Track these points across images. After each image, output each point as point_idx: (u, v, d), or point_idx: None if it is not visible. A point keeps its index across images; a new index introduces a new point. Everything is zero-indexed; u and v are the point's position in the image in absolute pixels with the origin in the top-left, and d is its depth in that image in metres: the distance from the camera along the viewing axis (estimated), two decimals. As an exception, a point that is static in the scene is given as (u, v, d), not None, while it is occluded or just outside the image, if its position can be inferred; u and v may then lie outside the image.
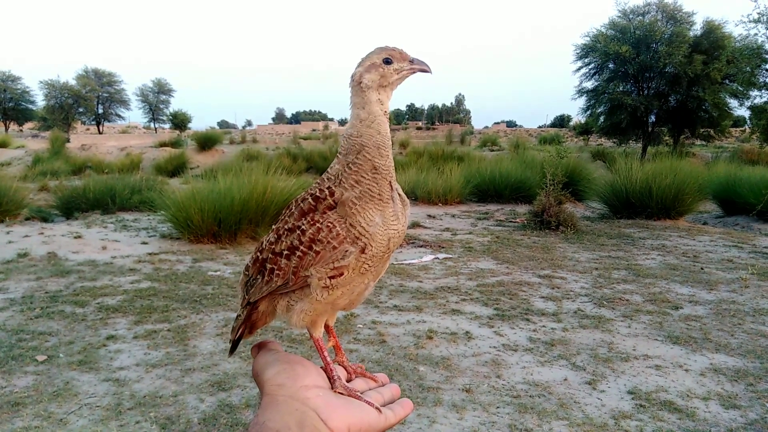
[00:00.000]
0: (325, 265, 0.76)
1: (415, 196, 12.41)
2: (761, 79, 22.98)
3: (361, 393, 0.76)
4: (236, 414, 3.15)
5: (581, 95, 27.46)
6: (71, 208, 10.25)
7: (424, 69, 0.83)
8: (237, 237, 7.82)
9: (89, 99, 46.86)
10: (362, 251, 0.75)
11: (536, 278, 6.26)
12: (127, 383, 3.52)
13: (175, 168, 20.30)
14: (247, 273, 0.87)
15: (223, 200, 7.61)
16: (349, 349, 4.10)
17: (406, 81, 0.84)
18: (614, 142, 30.40)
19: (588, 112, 28.24)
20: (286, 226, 0.80)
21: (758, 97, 23.97)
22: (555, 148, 12.68)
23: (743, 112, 27.08)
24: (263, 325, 0.90)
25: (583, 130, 44.88)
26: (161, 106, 54.38)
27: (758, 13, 21.36)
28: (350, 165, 0.77)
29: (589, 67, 26.68)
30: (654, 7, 25.55)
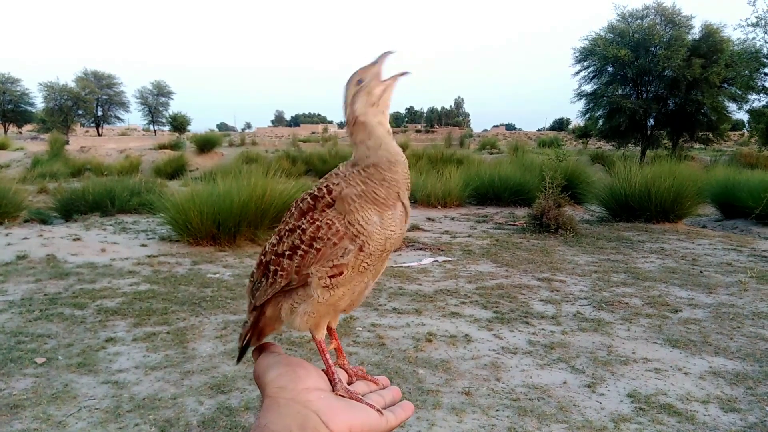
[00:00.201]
0: (325, 263, 0.76)
1: (415, 199, 12.41)
2: (759, 83, 23.09)
3: (363, 396, 0.76)
4: (235, 417, 3.15)
5: (580, 98, 27.55)
6: (70, 210, 10.24)
7: (402, 73, 0.82)
8: (236, 239, 7.81)
9: (88, 101, 46.90)
10: (360, 249, 0.76)
11: (535, 281, 6.26)
12: (126, 386, 3.51)
13: (175, 170, 20.32)
14: (252, 279, 0.87)
15: (222, 203, 7.61)
16: (349, 351, 4.10)
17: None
18: (613, 146, 30.48)
19: (587, 116, 28.33)
20: (286, 227, 0.81)
21: (757, 100, 24.10)
22: (554, 151, 12.73)
23: (742, 115, 27.23)
24: (271, 331, 0.89)
25: (582, 134, 45.03)
26: (160, 109, 54.41)
27: (756, 17, 21.49)
28: (360, 171, 0.77)
29: (588, 70, 26.77)
30: (653, 10, 25.66)
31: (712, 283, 6.18)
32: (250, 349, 0.91)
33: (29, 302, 5.08)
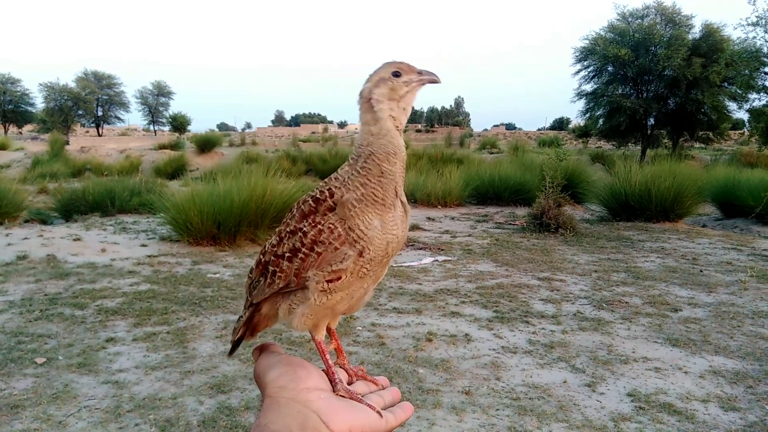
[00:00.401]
0: (324, 267, 0.76)
1: (415, 198, 12.42)
2: (760, 82, 23.10)
3: (363, 396, 0.77)
4: (235, 416, 3.15)
5: (580, 98, 27.58)
6: (70, 210, 10.24)
7: (434, 80, 0.83)
8: (236, 239, 7.82)
9: (89, 101, 46.88)
10: (360, 254, 0.75)
11: (535, 281, 6.27)
12: (127, 385, 3.51)
13: (175, 170, 20.33)
14: (250, 275, 0.88)
15: (222, 202, 7.61)
16: (349, 351, 4.10)
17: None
18: (613, 145, 30.49)
19: (587, 115, 28.34)
20: (287, 229, 0.81)
21: (757, 100, 24.12)
22: (554, 151, 12.70)
23: (742, 114, 27.23)
24: (265, 327, 0.91)
25: (583, 133, 45.00)
26: (161, 109, 54.35)
27: (757, 17, 21.50)
28: (359, 168, 0.78)
29: (589, 70, 26.78)
30: (653, 10, 25.65)
31: (712, 282, 6.18)
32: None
33: (29, 302, 5.08)
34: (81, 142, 36.77)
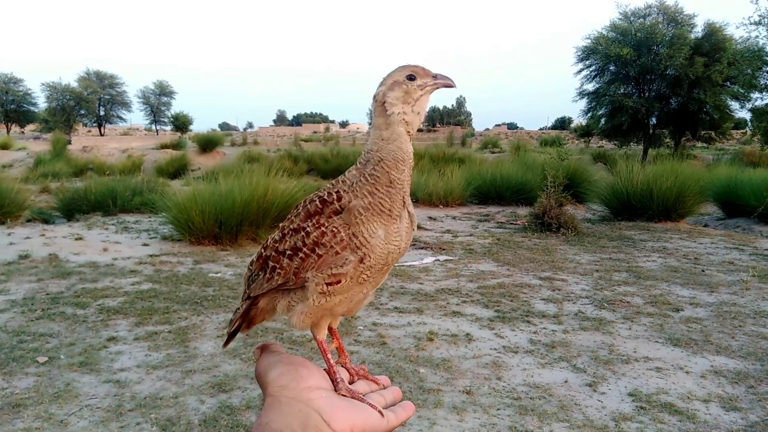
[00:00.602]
0: (324, 270, 0.76)
1: (416, 198, 12.42)
2: (762, 82, 23.01)
3: (364, 395, 0.77)
4: (237, 415, 3.16)
5: (582, 97, 27.52)
6: (72, 209, 10.26)
7: (448, 84, 0.83)
8: (238, 239, 7.82)
9: (91, 101, 46.88)
10: (361, 261, 0.75)
11: (537, 280, 6.26)
12: (128, 385, 3.52)
13: (177, 170, 20.36)
14: (250, 268, 0.88)
15: (224, 202, 7.62)
16: (350, 350, 4.10)
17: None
18: (615, 144, 30.45)
19: (589, 115, 28.28)
20: (291, 226, 0.81)
21: (759, 99, 24.04)
22: (556, 150, 12.67)
23: (744, 114, 27.18)
24: (261, 321, 0.91)
25: (584, 133, 44.90)
26: (163, 108, 54.37)
27: (759, 16, 21.40)
28: (367, 176, 0.77)
29: (590, 69, 26.74)
30: (655, 9, 25.60)
31: (714, 282, 6.17)
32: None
33: (31, 301, 5.09)
34: (83, 141, 36.81)
